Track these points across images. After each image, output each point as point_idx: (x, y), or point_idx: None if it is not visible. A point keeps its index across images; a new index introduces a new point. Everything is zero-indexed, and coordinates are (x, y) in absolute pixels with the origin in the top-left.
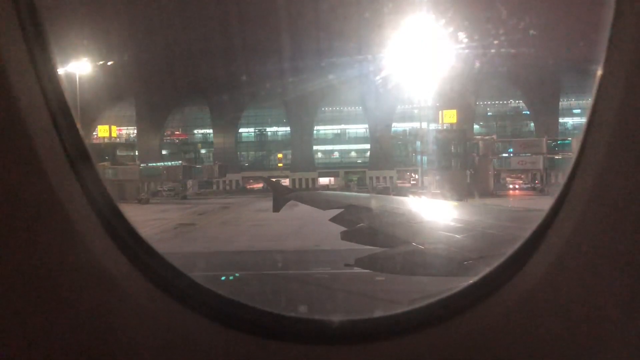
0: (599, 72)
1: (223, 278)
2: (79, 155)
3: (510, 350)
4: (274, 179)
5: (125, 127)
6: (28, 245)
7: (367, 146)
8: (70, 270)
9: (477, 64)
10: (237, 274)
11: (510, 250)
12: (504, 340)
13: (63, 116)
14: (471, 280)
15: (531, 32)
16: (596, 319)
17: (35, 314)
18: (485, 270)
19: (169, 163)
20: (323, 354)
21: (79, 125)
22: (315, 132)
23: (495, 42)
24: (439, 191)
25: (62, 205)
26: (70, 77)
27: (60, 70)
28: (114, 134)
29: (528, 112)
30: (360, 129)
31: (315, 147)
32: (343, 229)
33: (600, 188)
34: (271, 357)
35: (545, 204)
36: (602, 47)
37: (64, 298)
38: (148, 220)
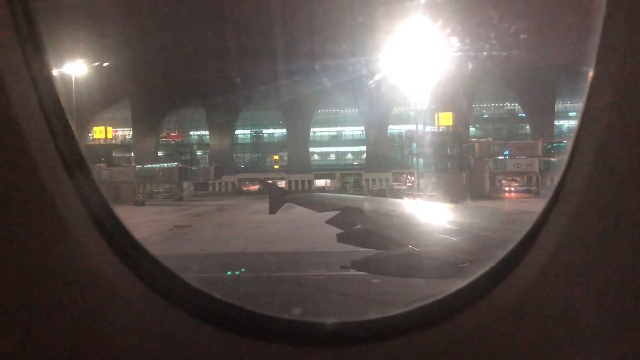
0: (590, 75)
1: (229, 273)
2: (74, 158)
3: (504, 352)
4: (270, 181)
5: (121, 129)
6: (22, 248)
7: (363, 148)
8: (63, 273)
9: (473, 67)
10: (243, 269)
11: (503, 253)
12: (497, 341)
13: (58, 119)
14: (465, 283)
15: (529, 35)
16: (590, 320)
17: (28, 316)
18: (478, 273)
19: (165, 165)
20: (316, 356)
21: (73, 128)
22: (311, 134)
23: (491, 45)
24: (434, 193)
25: (56, 208)
26: (65, 79)
27: (56, 72)
28: (109, 136)
29: (524, 115)
30: (357, 131)
31: (311, 149)
32: (339, 231)
33: (591, 190)
34: (264, 359)
35: (540, 206)
36: (594, 48)
37: (58, 300)
38: (144, 222)
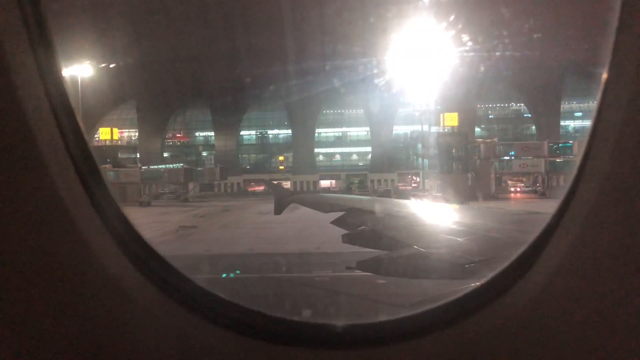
0: (605, 75)
1: (224, 275)
2: (84, 159)
3: (516, 355)
4: (275, 182)
5: (127, 130)
6: (32, 249)
7: (369, 149)
8: (74, 274)
9: (479, 67)
10: (237, 271)
11: (515, 254)
12: (508, 344)
13: (67, 120)
14: (476, 284)
15: (535, 35)
16: (603, 323)
17: (39, 317)
18: (490, 274)
19: (171, 166)
20: (326, 358)
21: (83, 129)
22: (316, 134)
23: (497, 45)
24: (440, 194)
25: (66, 209)
26: (72, 80)
27: (64, 73)
28: (115, 137)
29: (530, 115)
30: (362, 131)
31: (316, 150)
32: (344, 231)
33: (606, 191)
34: None
35: (547, 206)
36: (608, 49)
37: (68, 301)
38: (149, 222)
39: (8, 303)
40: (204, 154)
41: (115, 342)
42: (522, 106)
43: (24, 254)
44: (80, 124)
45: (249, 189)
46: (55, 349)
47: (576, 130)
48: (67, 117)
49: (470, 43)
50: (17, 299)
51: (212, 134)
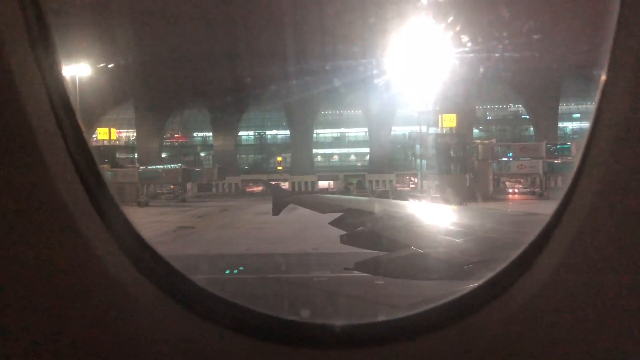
0: (603, 76)
1: (227, 272)
2: (84, 158)
3: (514, 355)
4: (273, 182)
5: (125, 130)
6: (32, 248)
7: (367, 150)
8: (74, 273)
9: (478, 68)
10: (241, 268)
11: (514, 254)
12: (508, 344)
13: (68, 119)
14: (475, 284)
15: (534, 36)
16: (603, 321)
17: (39, 316)
18: (489, 274)
19: (169, 166)
20: (325, 358)
21: (83, 129)
22: (315, 135)
23: (496, 46)
24: (438, 195)
25: (66, 209)
26: (71, 80)
27: (63, 73)
28: (113, 137)
29: (528, 117)
30: (360, 132)
31: (314, 151)
32: (342, 232)
33: (605, 190)
34: None
35: (545, 208)
36: (606, 51)
37: (67, 300)
38: (147, 222)
39: (8, 302)
40: (202, 154)
41: (115, 341)
42: (520, 107)
43: (24, 254)
44: (81, 123)
45: (247, 190)
46: (55, 348)
47: (574, 131)
48: (67, 117)
49: (469, 44)
50: (17, 299)
51: (211, 134)
